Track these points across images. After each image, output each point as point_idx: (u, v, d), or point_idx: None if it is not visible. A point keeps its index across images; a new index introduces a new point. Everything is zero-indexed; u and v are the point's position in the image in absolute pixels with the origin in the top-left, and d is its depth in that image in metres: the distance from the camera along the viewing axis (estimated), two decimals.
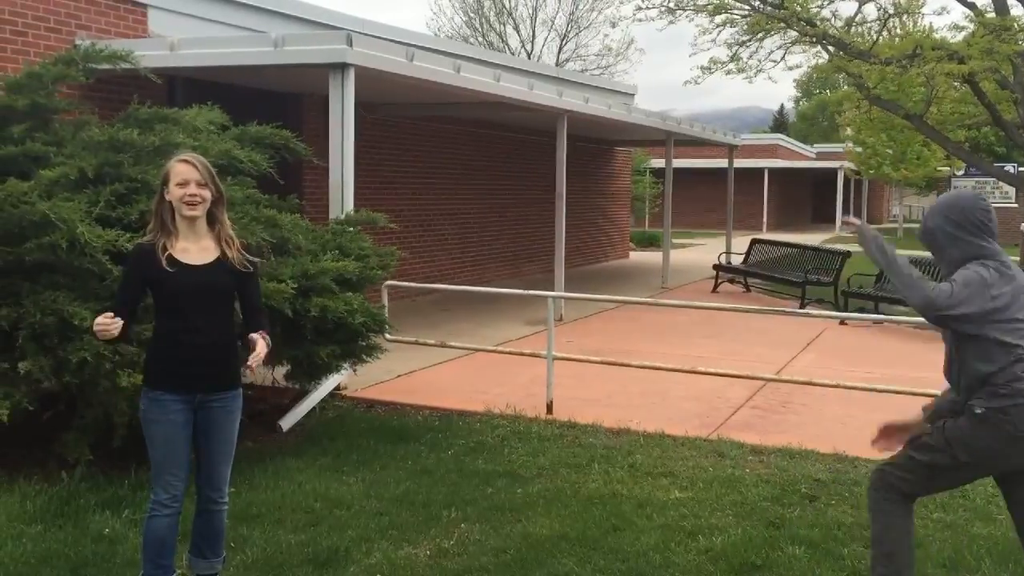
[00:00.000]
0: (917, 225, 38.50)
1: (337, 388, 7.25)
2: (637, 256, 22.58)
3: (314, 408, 6.77)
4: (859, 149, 31.67)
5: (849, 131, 31.70)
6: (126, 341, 4.95)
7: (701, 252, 23.87)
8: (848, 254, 13.81)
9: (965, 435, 3.38)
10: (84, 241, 4.81)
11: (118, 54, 6.49)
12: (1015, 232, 27.17)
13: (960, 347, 3.43)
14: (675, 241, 23.94)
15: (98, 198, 5.20)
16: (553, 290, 10.67)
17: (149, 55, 7.43)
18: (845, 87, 32.47)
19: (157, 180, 5.27)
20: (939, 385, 7.08)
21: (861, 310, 11.91)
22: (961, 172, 31.06)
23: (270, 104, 10.17)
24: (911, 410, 5.91)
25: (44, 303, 4.84)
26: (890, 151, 30.63)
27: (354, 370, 6.81)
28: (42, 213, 4.83)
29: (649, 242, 25.94)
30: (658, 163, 28.49)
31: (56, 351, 4.81)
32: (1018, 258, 15.37)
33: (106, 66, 6.62)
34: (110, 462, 5.26)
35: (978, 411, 3.34)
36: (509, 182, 16.14)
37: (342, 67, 7.39)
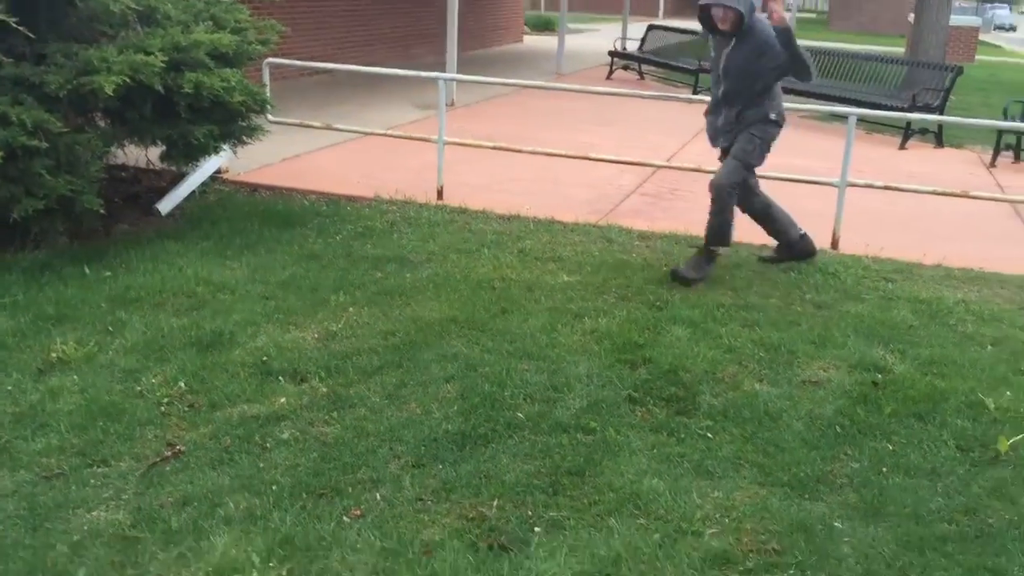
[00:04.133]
0: (811, 15, 38.20)
1: (218, 171, 6.95)
2: (531, 40, 21.99)
3: (194, 191, 6.50)
4: None
5: None
6: None
7: (597, 38, 23.39)
8: None
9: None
10: None
11: None
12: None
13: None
14: (571, 26, 23.34)
15: None
16: (444, 72, 10.30)
17: None
18: None
19: None
20: (821, 172, 7.25)
21: None
22: None
23: None
24: (791, 196, 6.03)
25: None
26: None
27: (235, 152, 6.51)
28: None
29: (544, 26, 25.23)
30: None
31: None
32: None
33: None
34: None
35: (773, 115, 5.22)
36: None
37: None
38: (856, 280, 5.43)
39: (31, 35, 4.85)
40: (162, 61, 5.07)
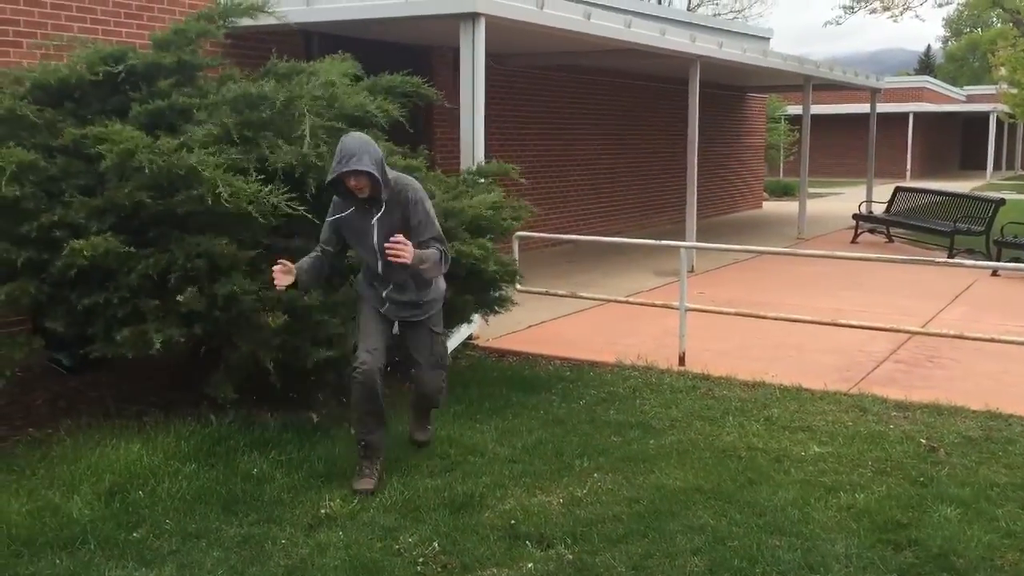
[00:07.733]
0: None
1: (469, 338, 7.34)
2: (771, 206, 21.92)
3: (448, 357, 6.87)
4: (1014, 91, 29.67)
5: (1003, 71, 29.66)
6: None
7: (839, 201, 22.98)
8: (1002, 201, 13.03)
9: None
10: (230, 194, 4.94)
11: (256, 5, 6.61)
12: None
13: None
14: (811, 190, 23.09)
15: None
16: (684, 240, 10.47)
17: (286, 10, 7.58)
18: (999, 24, 30.34)
19: (294, 133, 5.46)
20: None
21: (1016, 260, 11.22)
22: None
23: (400, 57, 10.24)
24: None
25: (190, 247, 5.02)
26: None
27: (486, 321, 6.86)
28: (190, 167, 5.00)
29: (784, 192, 25.13)
30: (794, 110, 27.46)
31: (205, 291, 4.99)
32: None
33: (247, 21, 6.77)
34: (259, 405, 5.48)
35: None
36: (639, 131, 15.86)
37: (472, 16, 7.36)
38: None
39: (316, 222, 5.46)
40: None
